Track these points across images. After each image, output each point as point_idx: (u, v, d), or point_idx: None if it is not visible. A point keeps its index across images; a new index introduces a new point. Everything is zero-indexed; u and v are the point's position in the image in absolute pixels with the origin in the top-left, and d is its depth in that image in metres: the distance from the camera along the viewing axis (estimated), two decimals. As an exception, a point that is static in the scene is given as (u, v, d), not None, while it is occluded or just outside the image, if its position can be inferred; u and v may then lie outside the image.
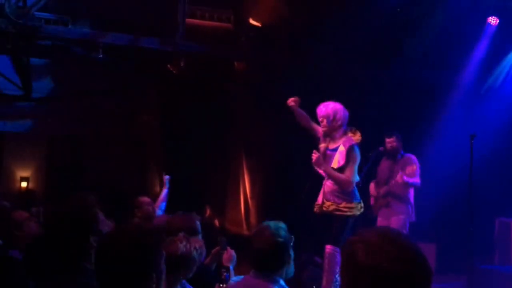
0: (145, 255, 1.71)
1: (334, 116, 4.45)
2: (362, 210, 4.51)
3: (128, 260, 1.67)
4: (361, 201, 4.55)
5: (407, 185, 5.56)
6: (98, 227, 2.05)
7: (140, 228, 1.85)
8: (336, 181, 4.39)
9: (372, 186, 5.88)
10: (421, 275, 1.23)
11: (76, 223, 2.03)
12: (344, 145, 4.43)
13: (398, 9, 7.08)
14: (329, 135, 4.49)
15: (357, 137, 4.48)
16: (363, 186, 5.50)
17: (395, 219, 5.56)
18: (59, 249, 2.01)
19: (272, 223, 2.60)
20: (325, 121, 4.47)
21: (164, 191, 5.64)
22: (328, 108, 4.48)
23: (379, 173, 5.91)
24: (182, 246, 2.53)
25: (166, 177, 5.76)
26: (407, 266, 1.22)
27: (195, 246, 2.61)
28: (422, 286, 1.23)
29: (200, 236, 3.09)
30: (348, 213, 4.41)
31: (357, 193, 4.52)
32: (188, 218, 3.20)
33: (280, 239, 2.49)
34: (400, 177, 5.43)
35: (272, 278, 2.45)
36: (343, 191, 4.42)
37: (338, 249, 4.09)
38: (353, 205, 4.43)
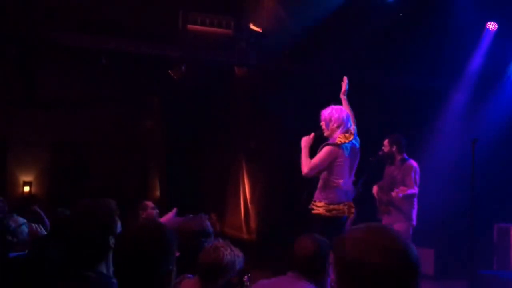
0: (166, 249, 1.72)
1: (330, 119, 4.50)
2: (334, 212, 4.35)
3: (150, 255, 1.68)
4: (339, 204, 4.37)
5: (405, 198, 5.55)
6: (117, 229, 2.07)
7: (158, 225, 1.84)
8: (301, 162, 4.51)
9: (375, 188, 5.88)
10: (407, 269, 1.23)
11: (101, 224, 2.05)
12: (325, 143, 4.50)
13: (400, 14, 7.13)
14: (331, 138, 4.54)
15: (342, 139, 4.45)
16: (364, 191, 5.51)
17: (398, 226, 5.57)
18: (77, 250, 2.02)
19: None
20: (323, 125, 4.55)
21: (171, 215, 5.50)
22: (325, 113, 4.55)
23: (383, 178, 5.91)
24: (227, 254, 2.51)
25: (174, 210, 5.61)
26: (393, 260, 1.22)
27: (238, 254, 2.59)
28: (408, 280, 1.23)
29: (212, 237, 3.07)
30: (315, 211, 4.40)
31: (332, 195, 4.39)
32: (199, 220, 3.18)
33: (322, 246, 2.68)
34: (396, 194, 5.46)
35: (312, 280, 2.60)
36: (319, 194, 4.45)
37: None
38: (321, 203, 4.39)
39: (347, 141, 4.41)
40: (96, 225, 2.03)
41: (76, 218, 2.10)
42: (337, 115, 4.48)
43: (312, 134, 4.54)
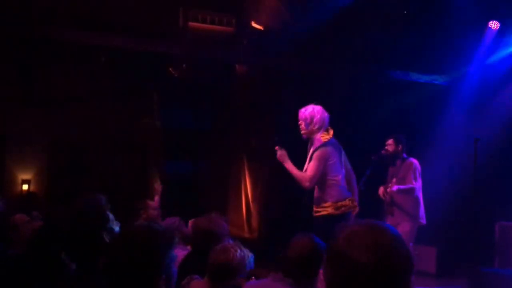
0: (155, 255, 1.70)
1: (312, 119, 4.43)
2: (343, 209, 4.38)
3: (137, 259, 1.68)
4: (345, 200, 4.41)
5: (402, 192, 5.55)
6: (109, 224, 2.14)
7: (151, 229, 1.83)
8: (294, 178, 4.42)
9: (380, 190, 5.87)
10: (393, 268, 1.21)
11: (90, 219, 2.12)
12: (313, 148, 4.45)
13: (405, 11, 7.12)
14: (309, 139, 4.52)
15: (326, 136, 4.43)
16: (365, 190, 5.50)
17: (401, 227, 5.57)
18: (73, 246, 2.09)
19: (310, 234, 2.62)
20: (302, 124, 4.50)
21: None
22: (306, 112, 4.48)
23: (387, 178, 5.92)
24: (237, 255, 2.50)
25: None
26: (379, 259, 1.20)
27: (248, 255, 2.59)
28: (396, 279, 1.21)
29: (227, 237, 3.03)
30: (323, 213, 4.40)
31: (336, 192, 4.40)
32: (216, 221, 3.12)
33: (319, 247, 2.51)
34: (390, 189, 5.47)
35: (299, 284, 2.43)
36: (322, 195, 4.43)
37: None
38: (327, 204, 4.39)
39: (330, 137, 4.43)
40: (87, 223, 2.11)
41: (67, 218, 2.18)
42: (319, 116, 4.44)
43: (277, 148, 4.50)
